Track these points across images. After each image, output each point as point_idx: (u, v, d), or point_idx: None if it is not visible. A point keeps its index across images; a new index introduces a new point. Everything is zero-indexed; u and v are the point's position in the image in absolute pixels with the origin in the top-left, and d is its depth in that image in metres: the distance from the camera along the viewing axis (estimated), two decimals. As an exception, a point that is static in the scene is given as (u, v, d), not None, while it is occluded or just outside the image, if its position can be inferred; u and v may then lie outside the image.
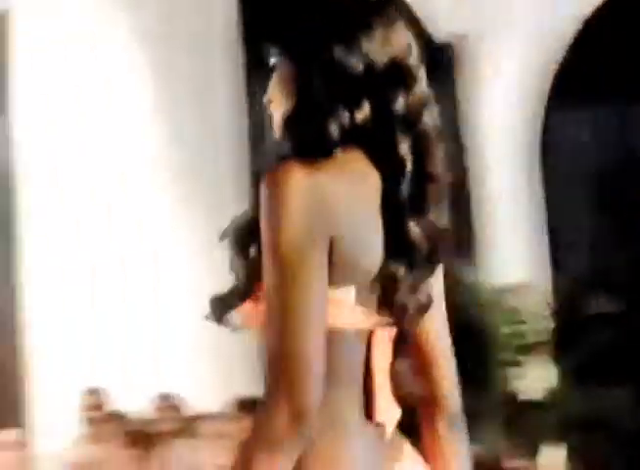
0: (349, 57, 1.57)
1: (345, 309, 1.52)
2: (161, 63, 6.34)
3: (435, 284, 1.62)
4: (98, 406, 5.76)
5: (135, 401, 5.73)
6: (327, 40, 1.59)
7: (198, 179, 6.43)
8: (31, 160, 6.55)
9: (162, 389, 5.77)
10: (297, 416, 1.41)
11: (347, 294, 1.52)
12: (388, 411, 1.57)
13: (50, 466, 5.82)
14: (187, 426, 5.61)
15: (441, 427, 1.66)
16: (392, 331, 1.58)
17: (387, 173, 1.57)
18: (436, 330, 1.65)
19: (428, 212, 1.58)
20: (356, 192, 1.53)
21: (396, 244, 1.55)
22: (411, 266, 1.56)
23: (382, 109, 1.58)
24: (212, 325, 1.58)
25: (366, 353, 1.55)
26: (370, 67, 1.58)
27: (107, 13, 6.28)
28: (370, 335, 1.55)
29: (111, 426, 5.60)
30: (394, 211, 1.56)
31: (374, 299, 1.54)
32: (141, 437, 5.61)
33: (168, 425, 5.63)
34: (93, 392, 5.81)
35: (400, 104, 1.59)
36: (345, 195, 1.51)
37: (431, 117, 1.61)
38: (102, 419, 5.72)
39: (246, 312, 1.55)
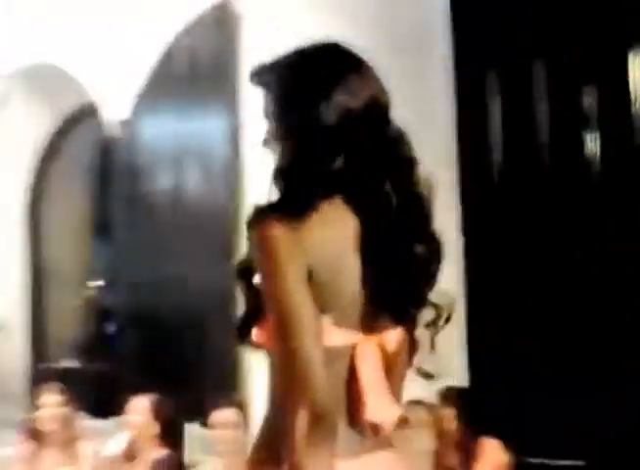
0: (325, 112, 1.76)
1: (325, 333, 1.75)
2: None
3: None
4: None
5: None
6: (304, 102, 1.78)
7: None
8: (259, 161, 6.87)
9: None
10: (318, 415, 1.66)
11: (326, 320, 1.76)
12: (384, 411, 1.80)
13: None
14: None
15: None
16: (384, 340, 1.82)
17: (374, 209, 1.77)
18: None
19: (425, 227, 1.81)
20: (333, 237, 1.76)
21: (404, 265, 1.78)
22: (422, 281, 1.81)
23: (361, 151, 1.77)
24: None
25: (351, 364, 1.79)
26: (346, 114, 1.77)
27: (328, 20, 6.50)
28: (353, 349, 1.79)
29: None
30: (394, 238, 1.77)
31: (356, 319, 1.79)
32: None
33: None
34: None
35: (379, 139, 1.78)
36: (322, 240, 1.74)
37: (407, 144, 1.82)
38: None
39: (258, 335, 1.85)
